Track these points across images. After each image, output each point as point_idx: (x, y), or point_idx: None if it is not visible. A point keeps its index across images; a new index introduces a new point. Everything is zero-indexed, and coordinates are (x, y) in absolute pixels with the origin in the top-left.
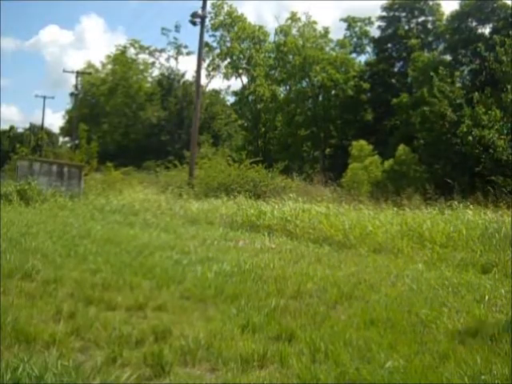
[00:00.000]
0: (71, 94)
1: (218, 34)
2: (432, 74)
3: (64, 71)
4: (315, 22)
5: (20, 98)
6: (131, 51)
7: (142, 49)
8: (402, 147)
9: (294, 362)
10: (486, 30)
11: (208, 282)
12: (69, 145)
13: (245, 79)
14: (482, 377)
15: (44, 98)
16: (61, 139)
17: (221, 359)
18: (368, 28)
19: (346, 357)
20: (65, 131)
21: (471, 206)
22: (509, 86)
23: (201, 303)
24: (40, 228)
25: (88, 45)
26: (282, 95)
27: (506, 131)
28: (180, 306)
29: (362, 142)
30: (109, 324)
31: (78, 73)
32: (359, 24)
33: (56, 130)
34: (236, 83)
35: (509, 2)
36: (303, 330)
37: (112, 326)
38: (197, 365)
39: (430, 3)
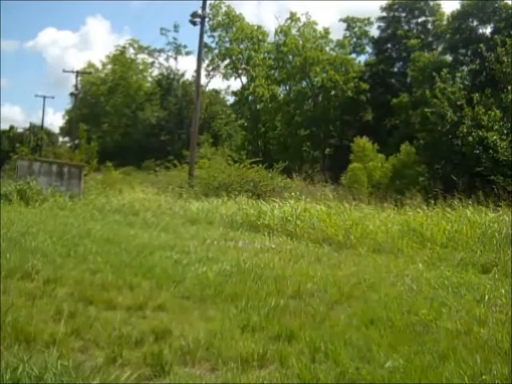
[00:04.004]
0: (71, 94)
1: (216, 34)
2: (434, 74)
3: (64, 71)
4: (315, 23)
5: (22, 98)
6: (130, 51)
7: (141, 49)
8: (404, 147)
9: (293, 362)
10: (487, 30)
11: (208, 282)
12: (69, 145)
13: (244, 79)
14: (483, 376)
15: (44, 97)
16: (61, 139)
17: (221, 359)
18: (368, 28)
19: (345, 356)
20: (65, 131)
21: (471, 206)
22: (509, 87)
23: (201, 303)
24: (40, 228)
25: (93, 46)
26: (282, 95)
27: (506, 131)
28: (180, 306)
29: (364, 140)
30: (109, 324)
31: (77, 72)
32: (359, 24)
33: (56, 129)
34: (236, 83)
35: (510, 2)
36: (303, 329)
37: (112, 326)
38: (197, 364)
39: (431, 3)
